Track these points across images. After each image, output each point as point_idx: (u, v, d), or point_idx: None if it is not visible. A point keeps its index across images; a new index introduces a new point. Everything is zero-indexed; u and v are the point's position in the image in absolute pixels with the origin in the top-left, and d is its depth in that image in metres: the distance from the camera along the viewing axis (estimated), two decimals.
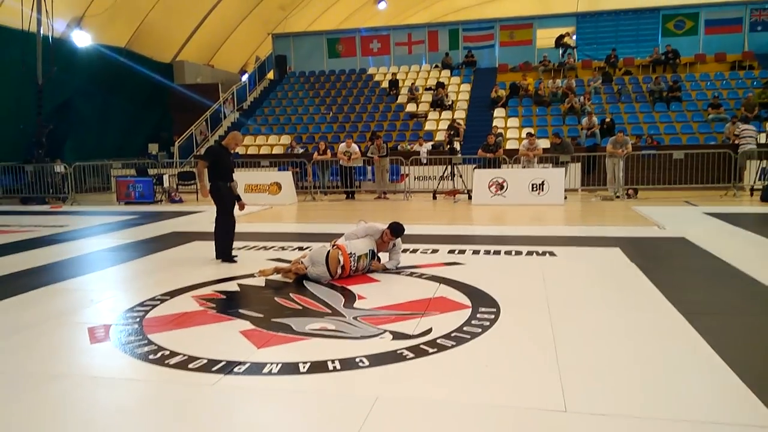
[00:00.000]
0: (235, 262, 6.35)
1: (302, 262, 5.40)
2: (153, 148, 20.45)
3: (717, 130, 15.59)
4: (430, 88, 19.92)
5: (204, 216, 11.39)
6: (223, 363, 3.36)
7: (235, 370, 3.27)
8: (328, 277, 5.24)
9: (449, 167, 13.44)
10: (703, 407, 2.70)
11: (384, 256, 5.80)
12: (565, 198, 11.99)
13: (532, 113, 17.97)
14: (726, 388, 2.91)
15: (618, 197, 12.47)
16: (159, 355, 3.54)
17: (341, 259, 5.24)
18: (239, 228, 9.29)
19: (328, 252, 5.28)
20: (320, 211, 12.52)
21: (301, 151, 16.33)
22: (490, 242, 7.28)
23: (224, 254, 6.45)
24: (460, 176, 13.27)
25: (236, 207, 6.63)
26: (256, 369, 3.28)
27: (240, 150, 17.83)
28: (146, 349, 3.66)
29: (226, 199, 6.49)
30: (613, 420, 2.59)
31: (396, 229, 5.65)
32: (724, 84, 18.21)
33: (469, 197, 12.83)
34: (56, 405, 2.90)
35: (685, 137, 15.72)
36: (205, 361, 3.40)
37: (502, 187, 12.03)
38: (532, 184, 11.83)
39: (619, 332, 3.81)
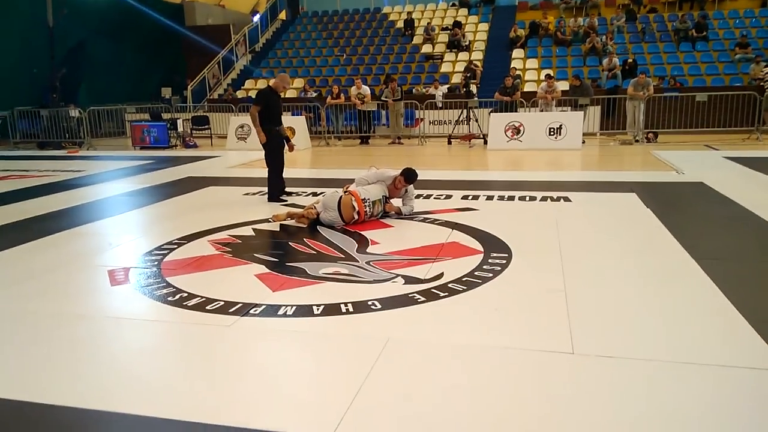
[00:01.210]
0: (285, 201, 6.54)
1: (315, 207, 5.44)
2: (166, 92, 20.34)
3: (743, 71, 15.04)
4: (446, 28, 19.34)
5: (219, 161, 11.46)
6: (239, 305, 3.45)
7: (251, 312, 3.36)
8: (340, 222, 5.29)
9: (465, 111, 13.23)
10: (710, 350, 2.74)
11: (396, 203, 5.81)
12: (583, 142, 11.81)
13: (552, 54, 17.44)
14: (734, 331, 2.94)
15: (637, 141, 12.24)
16: (177, 297, 3.64)
17: (355, 205, 5.27)
18: (253, 173, 9.38)
19: (341, 198, 5.30)
20: (334, 156, 12.50)
21: (314, 95, 16.12)
22: (504, 188, 7.24)
23: (277, 195, 6.65)
24: (476, 120, 13.08)
25: (286, 148, 6.82)
26: (271, 311, 3.37)
27: (252, 94, 17.67)
28: (165, 291, 3.76)
29: (275, 142, 6.64)
30: (619, 362, 2.64)
31: (409, 175, 5.63)
32: (753, 22, 17.41)
33: (485, 142, 12.68)
34: (80, 345, 3.01)
35: (709, 79, 15.20)
36: (222, 303, 3.49)
37: (518, 132, 11.86)
38: (550, 128, 11.64)
39: (630, 277, 3.83)
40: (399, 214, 5.67)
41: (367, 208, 5.34)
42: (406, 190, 5.72)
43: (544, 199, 6.46)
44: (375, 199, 5.42)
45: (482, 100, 13.87)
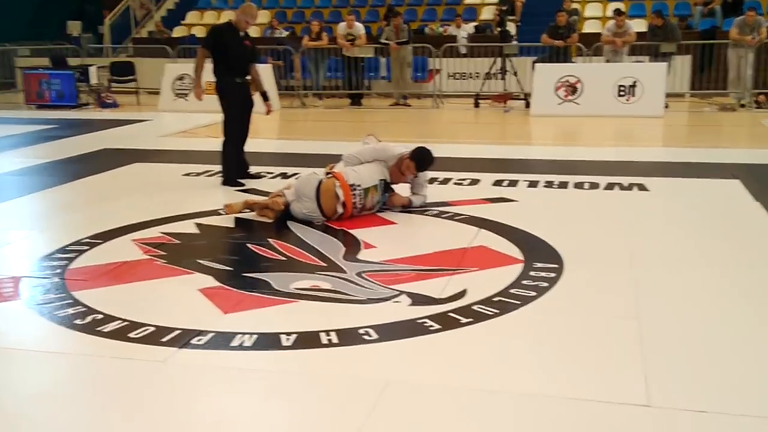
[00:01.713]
0: (242, 185, 6.65)
1: (284, 195, 5.44)
2: (74, 27, 20.26)
3: None
4: None
5: (149, 126, 11.47)
6: (177, 332, 3.45)
7: (194, 341, 3.36)
8: (320, 216, 5.29)
9: (499, 60, 13.22)
10: None
11: (401, 190, 5.81)
12: (666, 107, 11.83)
13: None
14: None
15: (743, 106, 12.26)
16: (88, 319, 3.64)
17: (340, 193, 5.26)
18: (198, 144, 9.38)
19: (320, 182, 5.30)
20: (312, 122, 12.50)
21: (285, 34, 16.09)
22: (553, 170, 7.26)
23: (233, 178, 6.73)
24: (515, 74, 13.07)
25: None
26: (222, 341, 3.37)
27: (197, 32, 17.65)
28: (70, 311, 3.76)
29: (236, 102, 6.73)
30: (711, 419, 2.65)
31: (421, 160, 5.60)
32: None
33: (527, 104, 12.68)
34: None
35: None
36: (153, 329, 3.50)
37: (574, 90, 11.87)
38: (620, 87, 11.66)
39: (730, 300, 3.83)
40: (407, 207, 5.67)
41: (357, 198, 5.33)
42: (416, 176, 5.72)
43: (609, 186, 6.48)
44: (368, 185, 5.40)
45: (524, 45, 13.85)
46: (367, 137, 6.09)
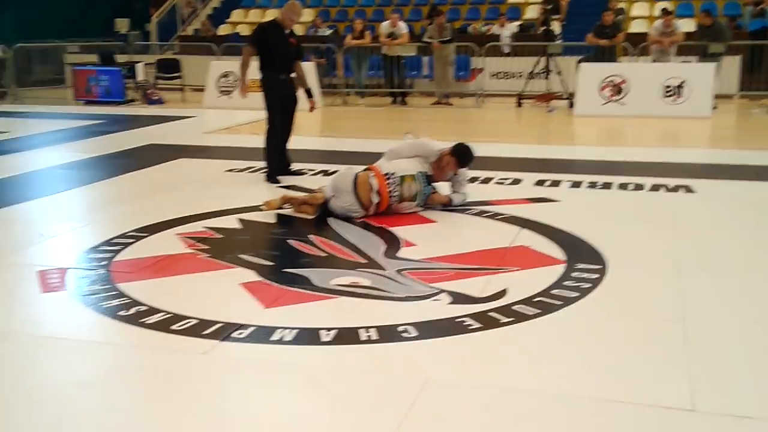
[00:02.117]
0: (279, 182, 6.69)
1: (323, 191, 5.47)
2: (122, 24, 20.63)
3: None
4: None
5: (193, 123, 11.62)
6: (218, 325, 3.49)
7: (234, 335, 3.40)
8: (359, 210, 5.31)
9: (543, 60, 13.10)
10: None
11: (441, 188, 5.79)
12: (715, 107, 11.61)
13: None
14: None
15: None
16: (132, 311, 3.70)
17: (374, 182, 5.26)
18: (241, 141, 9.47)
19: (356, 175, 5.30)
20: (354, 120, 12.53)
21: (328, 32, 16.16)
22: (597, 170, 7.17)
23: (276, 174, 6.79)
24: (559, 73, 12.93)
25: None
26: (262, 335, 3.40)
27: (241, 30, 17.83)
28: (115, 302, 3.82)
29: (279, 98, 6.81)
30: (759, 425, 2.59)
31: (463, 155, 5.59)
32: None
33: (571, 104, 12.55)
34: None
35: None
36: (195, 321, 3.54)
37: (620, 91, 11.72)
38: (666, 87, 11.49)
39: None
40: (447, 206, 5.65)
41: (392, 186, 5.32)
42: (456, 174, 5.69)
43: (655, 188, 6.39)
44: (405, 173, 5.38)
45: (568, 44, 13.71)
46: (407, 133, 6.07)
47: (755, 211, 5.68)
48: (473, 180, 6.31)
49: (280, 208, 5.63)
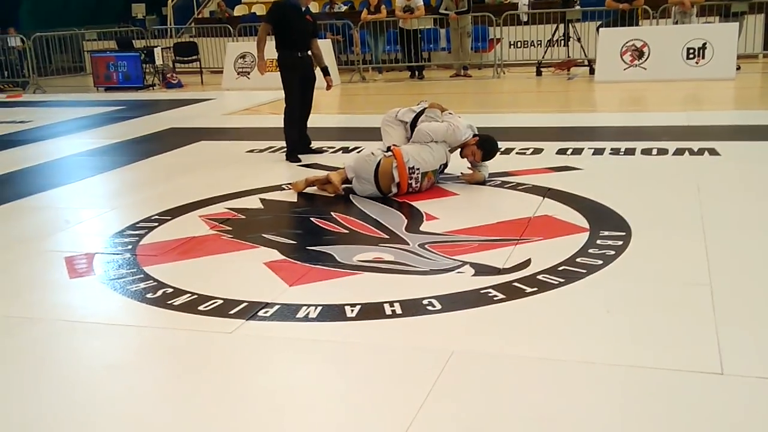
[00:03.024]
0: (299, 160, 6.72)
1: (344, 171, 5.45)
2: (138, 9, 20.71)
3: None
4: None
5: (213, 105, 11.65)
6: (244, 304, 3.52)
7: (260, 313, 3.42)
8: (378, 195, 5.29)
9: (562, 27, 12.94)
10: None
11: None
12: (738, 69, 11.43)
13: None
14: None
15: None
16: (159, 293, 3.74)
17: (395, 174, 5.23)
18: (261, 121, 9.49)
19: (379, 162, 5.26)
20: (372, 96, 12.49)
21: (344, 8, 16.07)
22: (619, 137, 7.11)
23: (296, 153, 6.83)
24: (578, 40, 12.78)
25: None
26: (287, 312, 3.42)
27: (257, 10, 17.78)
28: (142, 285, 3.87)
29: (297, 76, 6.83)
30: None
31: (489, 150, 5.57)
32: None
33: (591, 71, 12.41)
34: (27, 359, 3.14)
35: None
36: (221, 301, 3.57)
37: (641, 55, 11.57)
38: (688, 49, 11.33)
39: None
40: (482, 183, 5.60)
41: (413, 181, 5.30)
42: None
43: (679, 152, 6.31)
44: (428, 169, 5.35)
45: (587, 9, 13.51)
46: (430, 108, 5.86)
47: None
48: None
49: (305, 188, 5.62)
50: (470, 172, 5.65)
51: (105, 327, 3.45)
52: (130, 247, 4.53)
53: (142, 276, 4.01)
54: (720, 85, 10.60)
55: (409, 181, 5.29)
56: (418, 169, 5.31)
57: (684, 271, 3.70)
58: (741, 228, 4.32)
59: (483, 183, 5.60)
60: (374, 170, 5.25)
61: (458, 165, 5.74)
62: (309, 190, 5.60)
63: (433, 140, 5.46)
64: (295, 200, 5.47)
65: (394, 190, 5.29)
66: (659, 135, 6.99)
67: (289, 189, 5.67)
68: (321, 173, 5.84)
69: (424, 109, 5.74)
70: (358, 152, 5.82)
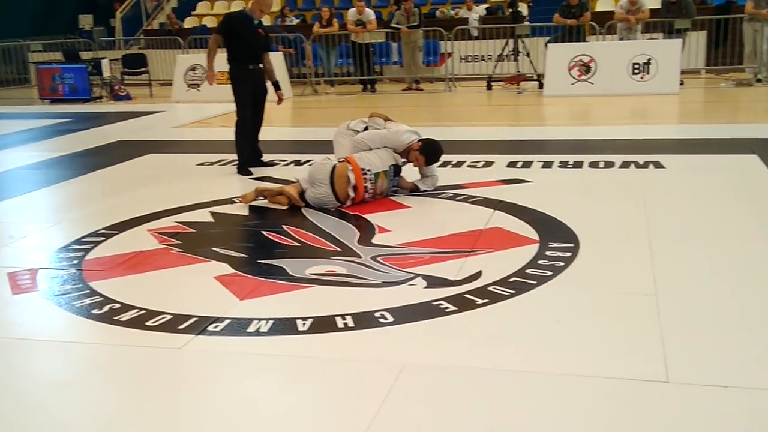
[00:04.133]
0: (250, 173, 6.67)
1: (299, 182, 5.44)
2: (86, 21, 20.38)
3: None
4: None
5: (162, 118, 11.50)
6: (193, 319, 3.47)
7: (210, 328, 3.38)
8: (334, 201, 5.29)
9: (511, 42, 13.12)
10: None
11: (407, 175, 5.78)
12: (682, 84, 11.72)
13: None
14: None
15: (759, 81, 12.11)
16: (105, 309, 3.67)
17: (351, 177, 5.26)
18: (212, 134, 9.41)
19: (334, 167, 5.29)
20: (324, 109, 12.48)
21: (296, 21, 16.06)
22: (568, 150, 7.22)
23: (247, 166, 6.77)
24: (527, 55, 12.98)
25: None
26: (238, 327, 3.39)
27: (208, 22, 17.67)
28: (88, 301, 3.79)
29: (248, 88, 6.79)
30: (734, 394, 2.63)
31: (431, 153, 5.59)
32: None
33: (540, 85, 12.60)
34: None
35: None
36: (169, 316, 3.52)
37: (588, 70, 11.78)
38: (634, 65, 11.56)
39: (750, 275, 3.81)
40: (415, 192, 5.65)
41: (368, 183, 5.32)
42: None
43: (625, 165, 6.43)
44: (379, 170, 5.39)
45: (536, 25, 13.74)
46: (371, 118, 5.97)
47: (725, 183, 5.75)
48: (446, 164, 6.33)
49: (255, 200, 5.60)
50: (408, 181, 5.68)
51: (49, 344, 3.37)
52: (75, 262, 4.44)
53: (87, 291, 3.92)
54: (664, 99, 10.86)
55: (365, 184, 5.30)
56: (369, 170, 5.34)
57: (630, 282, 3.77)
58: (685, 239, 4.42)
59: (417, 191, 5.62)
60: (330, 173, 5.25)
61: (412, 174, 5.77)
62: (261, 202, 5.56)
63: (370, 148, 5.52)
64: (247, 213, 5.43)
65: (351, 194, 5.29)
66: (606, 148, 7.12)
67: (239, 202, 5.63)
68: (272, 185, 5.82)
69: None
70: (311, 165, 5.81)
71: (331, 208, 5.30)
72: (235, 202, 5.66)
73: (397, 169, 5.57)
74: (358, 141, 5.61)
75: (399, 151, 5.59)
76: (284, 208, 5.42)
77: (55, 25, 19.71)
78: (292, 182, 5.54)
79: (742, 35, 12.41)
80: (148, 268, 4.28)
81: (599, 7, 15.49)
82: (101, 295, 3.85)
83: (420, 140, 5.59)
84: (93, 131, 10.14)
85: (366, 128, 5.77)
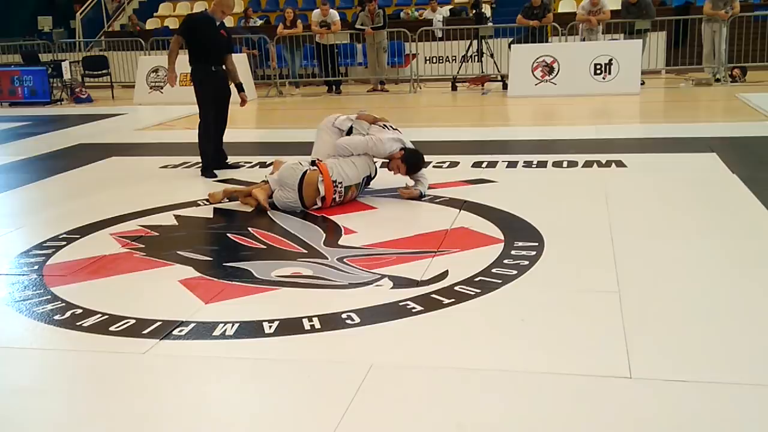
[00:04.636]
0: (215, 176, 6.61)
1: (268, 180, 5.41)
2: (45, 22, 20.07)
3: None
4: None
5: (124, 120, 11.37)
6: (157, 324, 3.43)
7: (175, 332, 3.35)
8: (300, 208, 5.28)
9: (475, 43, 13.21)
10: None
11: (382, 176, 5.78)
12: (642, 83, 11.90)
13: None
14: None
15: (718, 80, 12.34)
16: (67, 314, 3.62)
17: (321, 189, 5.23)
18: (175, 136, 9.31)
19: (305, 173, 5.25)
20: (289, 110, 12.44)
21: (259, 22, 15.99)
22: (531, 150, 7.29)
23: (211, 168, 6.72)
24: (491, 56, 13.07)
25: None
26: (203, 331, 3.36)
27: (170, 24, 17.51)
28: (49, 307, 3.73)
29: (211, 90, 6.73)
30: (696, 389, 2.68)
31: (413, 165, 5.54)
32: None
33: (504, 86, 12.70)
34: None
35: None
36: (133, 321, 3.48)
37: (551, 71, 11.90)
38: (595, 65, 11.72)
39: (710, 271, 3.88)
40: (417, 199, 5.57)
41: (337, 195, 5.31)
42: None
43: (588, 164, 6.51)
44: (352, 183, 5.37)
45: (499, 26, 13.85)
46: (358, 120, 5.83)
47: (685, 181, 5.84)
48: None
49: (222, 201, 5.55)
50: (408, 188, 5.64)
51: (10, 351, 3.31)
52: (36, 267, 4.37)
53: (49, 297, 3.87)
54: (626, 99, 11.01)
55: (334, 196, 5.29)
56: (341, 182, 5.32)
57: (594, 279, 3.81)
58: (647, 236, 4.48)
59: (420, 199, 5.58)
60: (299, 180, 5.22)
61: (398, 180, 5.75)
62: (227, 204, 5.52)
63: (353, 154, 5.48)
64: (211, 216, 5.39)
65: (319, 203, 5.28)
66: (569, 148, 7.21)
67: (206, 204, 5.59)
68: (240, 187, 5.79)
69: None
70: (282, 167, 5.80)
71: (298, 210, 5.28)
72: (199, 205, 5.62)
73: (369, 179, 5.57)
74: (340, 146, 5.51)
75: (380, 159, 5.57)
76: (251, 209, 5.39)
77: (14, 27, 19.38)
78: (263, 182, 5.50)
79: (701, 36, 12.64)
80: (111, 273, 4.23)
81: (561, 9, 15.69)
82: (63, 301, 3.79)
83: (402, 149, 5.52)
84: (54, 134, 9.99)
85: (351, 129, 5.63)
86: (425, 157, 5.74)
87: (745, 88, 11.57)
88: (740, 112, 9.44)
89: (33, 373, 3.13)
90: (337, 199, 5.33)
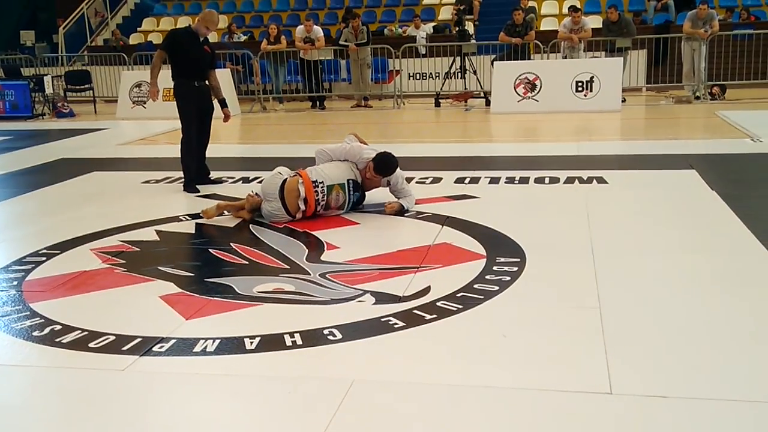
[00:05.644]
0: (197, 191, 6.60)
1: (258, 195, 5.43)
2: (27, 37, 19.95)
3: None
4: None
5: (106, 135, 11.32)
6: (137, 340, 3.41)
7: (155, 349, 3.32)
8: (285, 216, 5.28)
9: (459, 60, 13.30)
10: None
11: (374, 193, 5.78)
12: (623, 101, 12.01)
13: None
14: None
15: (698, 98, 12.50)
16: (47, 330, 3.58)
17: (302, 189, 5.25)
18: (157, 151, 9.28)
19: (285, 180, 5.28)
20: (273, 126, 12.45)
21: (243, 38, 16.00)
22: (514, 166, 7.32)
23: (194, 184, 6.71)
24: (474, 72, 13.17)
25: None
26: (184, 347, 3.34)
27: (153, 39, 17.50)
28: (28, 323, 3.69)
29: (194, 105, 6.73)
30: (675, 405, 2.68)
31: (382, 167, 5.51)
32: None
33: (487, 102, 12.78)
34: None
35: None
36: (113, 337, 3.45)
37: (533, 88, 11.99)
38: (577, 83, 11.81)
39: (690, 286, 3.91)
40: (399, 214, 5.57)
41: (319, 195, 5.32)
42: (389, 182, 5.68)
43: (569, 180, 6.55)
44: (333, 182, 5.37)
45: (482, 43, 13.96)
46: (349, 136, 5.93)
47: (665, 197, 5.89)
48: None
49: (217, 215, 5.53)
50: (391, 203, 5.63)
51: None
52: (15, 283, 4.32)
53: (28, 313, 3.82)
54: (607, 116, 11.12)
55: (316, 198, 5.29)
56: (321, 182, 5.33)
57: (575, 295, 3.82)
58: (628, 253, 4.50)
59: (402, 213, 5.57)
60: (280, 188, 5.24)
61: (384, 195, 5.78)
62: (212, 219, 5.50)
63: (332, 159, 5.56)
64: (193, 231, 5.37)
65: (302, 206, 5.27)
66: (551, 164, 7.25)
67: (188, 220, 5.56)
68: (233, 203, 5.77)
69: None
70: (260, 182, 5.79)
71: (281, 221, 5.28)
72: (181, 220, 5.60)
73: (356, 185, 5.53)
74: (320, 151, 5.67)
75: (361, 168, 5.57)
76: (237, 221, 5.42)
77: None
78: (253, 196, 5.48)
79: (680, 54, 12.81)
80: (91, 288, 4.20)
81: (543, 26, 15.84)
82: (42, 317, 3.75)
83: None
84: (35, 149, 9.92)
85: None
86: (408, 173, 5.75)
87: (725, 105, 11.72)
88: (719, 129, 9.55)
89: (11, 390, 3.09)
90: (320, 200, 5.32)
